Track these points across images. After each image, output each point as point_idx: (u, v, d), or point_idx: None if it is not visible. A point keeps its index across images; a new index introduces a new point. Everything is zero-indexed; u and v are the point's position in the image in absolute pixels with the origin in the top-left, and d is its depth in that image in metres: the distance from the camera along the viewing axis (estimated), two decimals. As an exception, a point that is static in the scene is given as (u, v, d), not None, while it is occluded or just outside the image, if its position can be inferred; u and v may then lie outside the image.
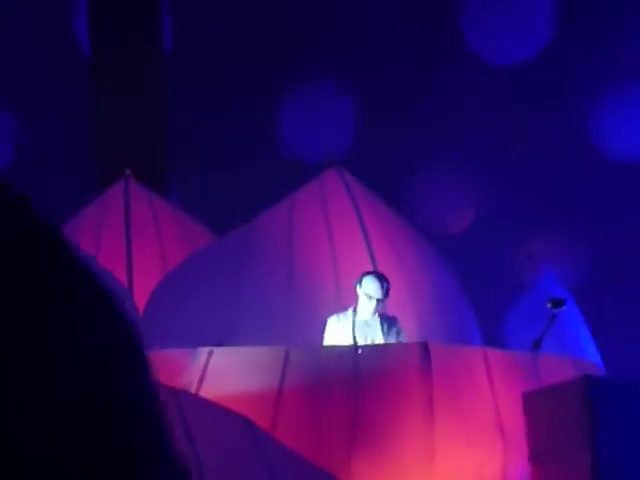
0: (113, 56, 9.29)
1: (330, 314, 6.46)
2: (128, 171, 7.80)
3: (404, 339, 6.40)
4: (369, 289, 6.24)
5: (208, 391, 5.81)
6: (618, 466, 6.12)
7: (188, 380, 5.98)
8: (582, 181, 11.70)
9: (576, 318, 7.72)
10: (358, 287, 6.29)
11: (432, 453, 5.95)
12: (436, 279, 7.13)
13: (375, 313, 6.34)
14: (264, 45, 10.54)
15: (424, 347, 6.02)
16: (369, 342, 6.34)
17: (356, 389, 6.05)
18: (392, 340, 6.36)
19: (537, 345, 6.50)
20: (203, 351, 6.12)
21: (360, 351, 6.07)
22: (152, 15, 9.52)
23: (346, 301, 6.64)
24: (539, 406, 6.16)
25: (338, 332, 6.36)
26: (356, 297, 6.33)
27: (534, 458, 6.11)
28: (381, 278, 6.32)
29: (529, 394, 6.13)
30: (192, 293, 6.92)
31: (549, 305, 6.59)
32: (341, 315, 6.39)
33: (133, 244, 7.48)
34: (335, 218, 7.20)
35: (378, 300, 6.28)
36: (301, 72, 10.75)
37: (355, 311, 6.30)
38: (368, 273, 6.38)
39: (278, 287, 6.98)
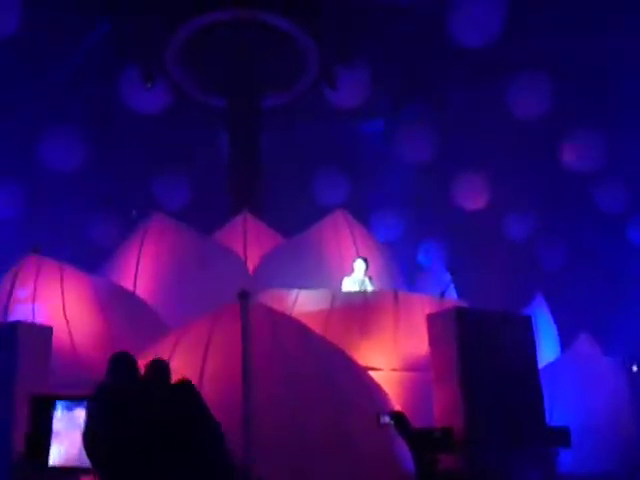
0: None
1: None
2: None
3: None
4: (360, 264, 8.99)
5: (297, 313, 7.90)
6: (480, 381, 6.66)
7: (286, 307, 8.13)
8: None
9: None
10: (355, 263, 8.99)
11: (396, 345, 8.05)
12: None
13: (364, 275, 8.95)
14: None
15: (395, 293, 8.28)
16: (364, 289, 8.74)
17: (365, 311, 8.09)
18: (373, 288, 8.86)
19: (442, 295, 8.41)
20: (294, 292, 8.40)
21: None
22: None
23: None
24: (436, 326, 7.06)
25: (350, 285, 8.87)
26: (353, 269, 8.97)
27: (436, 381, 6.89)
28: (365, 259, 8.93)
29: (431, 315, 7.15)
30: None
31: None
32: (349, 277, 8.91)
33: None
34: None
35: (365, 269, 8.88)
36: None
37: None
38: (359, 257, 9.09)
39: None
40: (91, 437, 3.29)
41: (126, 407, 3.49)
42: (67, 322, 7.59)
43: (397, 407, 7.21)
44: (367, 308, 8.10)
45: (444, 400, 6.87)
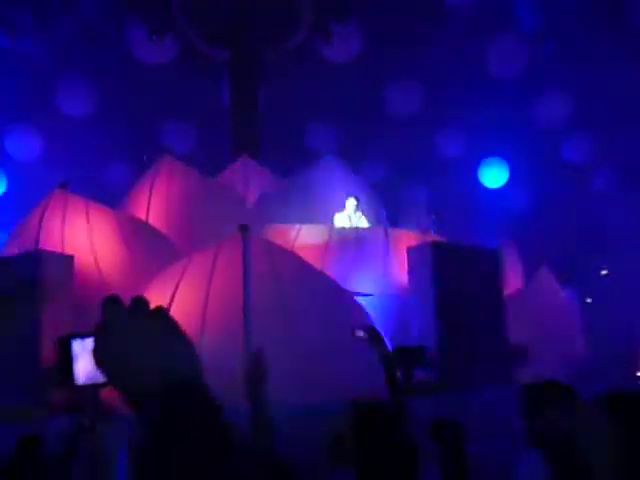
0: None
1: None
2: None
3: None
4: (351, 201, 9.14)
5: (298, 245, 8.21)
6: (453, 307, 6.97)
7: (288, 240, 8.27)
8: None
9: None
10: (347, 201, 9.10)
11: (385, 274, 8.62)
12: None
13: (356, 211, 9.14)
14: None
15: (385, 229, 8.76)
16: (354, 224, 9.00)
17: (359, 244, 8.43)
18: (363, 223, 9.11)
19: None
20: (296, 227, 8.58)
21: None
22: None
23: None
24: (415, 257, 7.37)
25: (341, 220, 9.01)
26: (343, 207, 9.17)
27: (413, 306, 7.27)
28: (356, 197, 9.11)
29: (410, 248, 7.53)
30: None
31: None
32: (340, 213, 9.04)
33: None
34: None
35: (356, 206, 9.07)
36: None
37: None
38: (350, 196, 9.18)
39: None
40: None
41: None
42: (93, 251, 7.68)
43: (380, 327, 7.57)
44: (360, 242, 8.40)
45: (420, 322, 7.25)
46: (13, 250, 7.63)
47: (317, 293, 7.05)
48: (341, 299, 7.28)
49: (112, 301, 0.76)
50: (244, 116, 12.59)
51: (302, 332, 6.48)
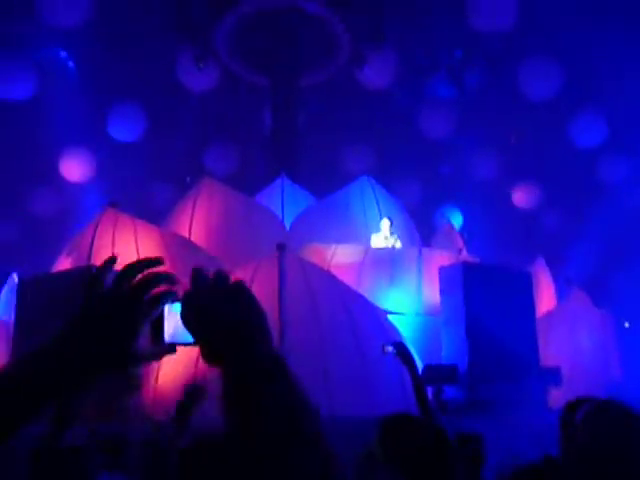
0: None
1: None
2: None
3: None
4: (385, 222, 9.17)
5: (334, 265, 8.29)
6: (483, 326, 6.91)
7: (325, 259, 8.42)
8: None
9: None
10: (381, 222, 9.11)
11: (419, 293, 9.20)
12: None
13: (391, 232, 8.99)
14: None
15: (419, 249, 9.01)
16: (389, 244, 8.92)
17: (393, 264, 8.51)
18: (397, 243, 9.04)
19: None
20: (332, 247, 8.67)
21: None
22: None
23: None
24: (446, 277, 7.23)
25: (377, 240, 8.97)
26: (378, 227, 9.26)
27: (445, 325, 7.18)
28: (390, 218, 9.04)
29: (442, 268, 7.48)
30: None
31: None
32: (376, 234, 9.01)
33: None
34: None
35: (390, 227, 8.95)
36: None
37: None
38: (384, 217, 9.20)
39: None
40: None
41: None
42: None
43: (411, 346, 7.58)
44: (395, 262, 8.45)
45: (451, 341, 7.20)
46: (66, 265, 7.94)
47: (350, 310, 7.11)
48: (374, 317, 7.31)
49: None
50: (283, 139, 12.85)
51: (334, 347, 6.54)
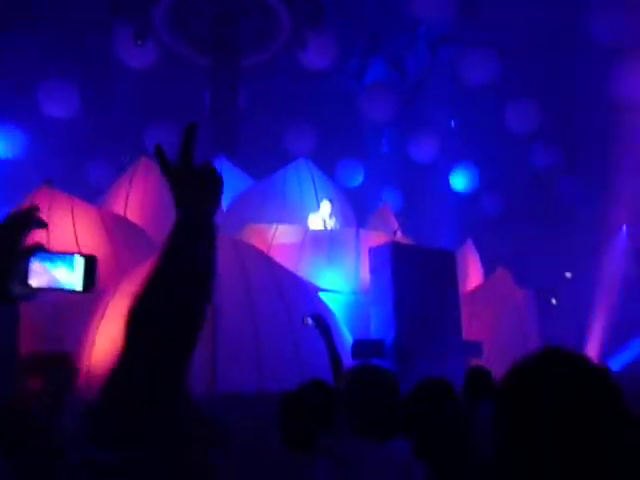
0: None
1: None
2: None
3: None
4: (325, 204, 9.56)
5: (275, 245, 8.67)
6: (410, 303, 7.22)
7: (266, 239, 8.74)
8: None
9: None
10: (321, 203, 9.49)
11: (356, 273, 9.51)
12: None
13: (330, 214, 9.45)
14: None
15: (356, 230, 9.30)
16: (327, 226, 9.29)
17: (332, 244, 8.87)
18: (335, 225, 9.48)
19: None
20: (273, 227, 8.93)
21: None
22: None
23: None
24: (375, 257, 7.64)
25: (314, 221, 9.27)
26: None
27: (373, 303, 7.51)
28: (330, 200, 9.40)
29: (371, 248, 7.77)
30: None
31: None
32: (314, 214, 9.32)
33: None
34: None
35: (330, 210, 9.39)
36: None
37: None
38: (325, 199, 9.58)
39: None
40: None
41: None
42: (78, 246, 7.86)
43: (347, 324, 8.00)
44: (333, 242, 8.81)
45: (379, 318, 7.62)
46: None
47: (283, 289, 7.42)
48: (306, 295, 7.65)
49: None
50: (223, 119, 12.93)
51: (267, 326, 6.84)
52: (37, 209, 1.15)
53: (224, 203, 9.94)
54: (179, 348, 0.98)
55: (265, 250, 8.19)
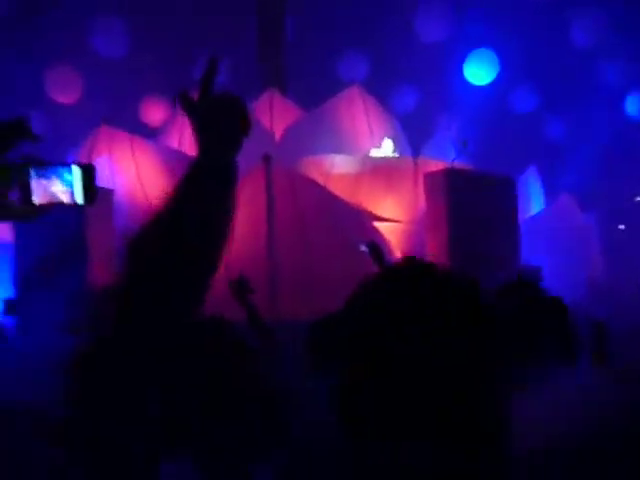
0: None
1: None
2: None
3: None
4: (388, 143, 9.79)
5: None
6: (466, 231, 7.21)
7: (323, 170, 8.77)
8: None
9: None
10: (384, 142, 9.69)
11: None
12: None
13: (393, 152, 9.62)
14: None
15: (414, 158, 9.34)
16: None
17: (390, 173, 8.93)
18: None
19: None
20: (329, 158, 9.03)
21: None
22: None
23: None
24: (431, 184, 7.72)
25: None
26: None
27: (428, 230, 7.58)
28: (392, 140, 9.49)
29: (426, 175, 7.83)
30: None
31: None
32: (377, 150, 9.54)
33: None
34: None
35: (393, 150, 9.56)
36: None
37: None
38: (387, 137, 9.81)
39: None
40: None
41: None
42: (141, 185, 7.99)
43: (399, 253, 8.06)
44: (391, 171, 8.78)
45: (434, 246, 7.65)
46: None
47: (336, 218, 7.52)
48: (360, 224, 7.72)
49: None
50: (271, 50, 12.75)
51: (321, 253, 6.99)
52: (26, 119, 1.06)
53: (277, 135, 10.01)
54: (190, 291, 0.96)
55: (322, 181, 8.23)
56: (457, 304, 0.80)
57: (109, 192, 7.47)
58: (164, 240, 0.96)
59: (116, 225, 6.93)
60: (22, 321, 6.27)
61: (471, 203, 7.37)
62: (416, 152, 9.90)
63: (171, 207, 0.97)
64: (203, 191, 0.98)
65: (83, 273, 6.51)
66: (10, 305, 6.47)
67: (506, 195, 7.89)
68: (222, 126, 1.02)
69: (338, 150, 9.19)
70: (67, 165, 1.11)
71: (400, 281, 0.87)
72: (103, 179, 7.75)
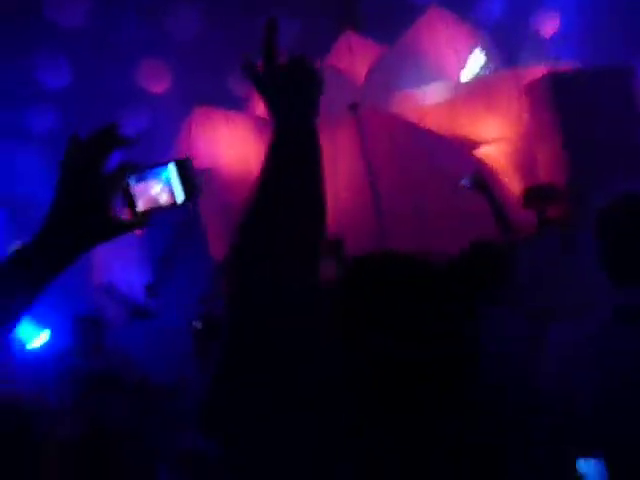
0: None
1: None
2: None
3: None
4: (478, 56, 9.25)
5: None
6: (581, 138, 6.65)
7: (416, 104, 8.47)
8: None
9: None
10: (472, 55, 9.51)
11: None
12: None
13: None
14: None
15: (513, 69, 8.55)
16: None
17: (489, 89, 8.26)
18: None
19: None
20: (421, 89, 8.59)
21: None
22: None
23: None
24: (534, 94, 7.22)
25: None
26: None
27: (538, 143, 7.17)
28: (484, 52, 9.02)
29: (527, 86, 7.38)
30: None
31: None
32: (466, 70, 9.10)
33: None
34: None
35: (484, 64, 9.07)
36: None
37: None
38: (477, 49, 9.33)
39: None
40: None
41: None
42: (243, 158, 7.94)
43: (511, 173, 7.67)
44: (488, 88, 8.27)
45: (547, 161, 7.16)
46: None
47: (438, 157, 7.27)
48: (458, 156, 7.38)
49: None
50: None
51: (421, 191, 6.81)
52: (117, 126, 1.03)
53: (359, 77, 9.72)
54: (298, 259, 0.99)
55: (418, 115, 7.99)
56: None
57: (213, 171, 7.78)
58: (265, 211, 0.99)
59: (224, 203, 7.15)
60: (164, 301, 6.76)
61: (581, 105, 6.78)
62: (512, 62, 9.22)
63: (264, 178, 1.01)
64: (290, 158, 1.01)
65: (205, 249, 6.81)
66: (150, 288, 6.95)
67: (623, 88, 7.13)
68: (292, 92, 1.03)
69: (427, 81, 8.78)
70: (164, 165, 1.10)
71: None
72: (206, 159, 8.09)
